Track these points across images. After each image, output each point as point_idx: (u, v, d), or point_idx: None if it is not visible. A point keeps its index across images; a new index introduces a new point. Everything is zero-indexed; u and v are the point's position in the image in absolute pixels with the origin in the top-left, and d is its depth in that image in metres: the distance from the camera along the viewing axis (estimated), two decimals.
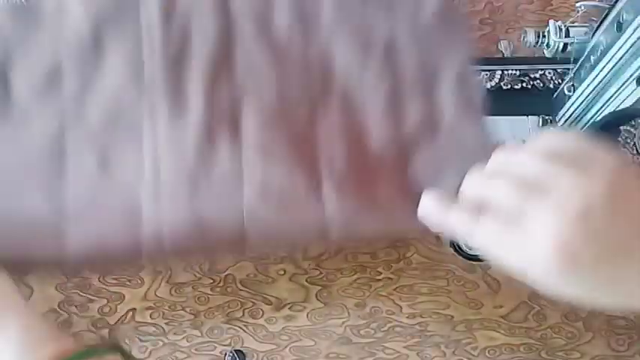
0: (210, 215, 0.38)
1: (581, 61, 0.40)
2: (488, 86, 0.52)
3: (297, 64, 0.40)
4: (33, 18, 0.42)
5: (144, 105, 0.40)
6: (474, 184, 0.32)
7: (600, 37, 0.37)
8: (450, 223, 0.31)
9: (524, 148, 0.29)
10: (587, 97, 0.40)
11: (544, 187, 0.27)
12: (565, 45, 0.40)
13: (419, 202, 0.34)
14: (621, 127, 0.49)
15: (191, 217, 0.38)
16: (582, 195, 0.27)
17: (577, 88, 0.41)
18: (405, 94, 0.40)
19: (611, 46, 0.36)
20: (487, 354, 0.42)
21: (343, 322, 0.50)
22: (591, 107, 0.41)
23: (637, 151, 0.49)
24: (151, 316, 0.46)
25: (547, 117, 0.47)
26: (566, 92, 0.43)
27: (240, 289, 0.51)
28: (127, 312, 0.46)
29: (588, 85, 0.39)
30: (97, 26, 0.41)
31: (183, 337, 0.49)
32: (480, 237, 0.29)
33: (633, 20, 0.33)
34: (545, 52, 0.41)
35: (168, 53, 0.40)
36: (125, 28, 0.41)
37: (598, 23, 0.37)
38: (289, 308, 0.52)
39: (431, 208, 0.33)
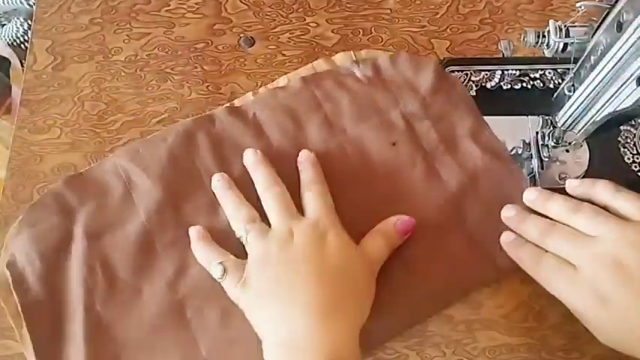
0: None
1: (581, 61, 0.40)
2: (488, 86, 0.52)
3: (336, 175, 0.46)
4: (107, 203, 0.46)
5: (240, 254, 0.43)
6: (534, 226, 0.41)
7: (600, 37, 0.37)
8: (522, 258, 0.41)
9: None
10: (587, 96, 0.40)
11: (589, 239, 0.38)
12: (565, 45, 0.40)
13: (486, 249, 0.44)
14: (621, 127, 0.49)
15: None
16: (617, 246, 0.37)
17: (577, 88, 0.41)
18: (436, 160, 0.47)
19: (612, 46, 0.35)
20: (487, 354, 0.42)
21: None
22: (591, 107, 0.41)
23: (637, 151, 0.49)
24: None
25: (547, 117, 0.47)
26: (566, 92, 0.43)
27: None
28: None
29: (588, 85, 0.39)
30: (168, 192, 0.46)
31: None
32: (543, 270, 0.40)
33: (633, 20, 0.33)
34: (545, 52, 0.41)
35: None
36: (196, 191, 0.46)
37: (598, 23, 0.37)
38: None
39: (510, 244, 0.43)
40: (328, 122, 0.48)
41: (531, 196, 0.43)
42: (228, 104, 0.50)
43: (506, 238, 0.42)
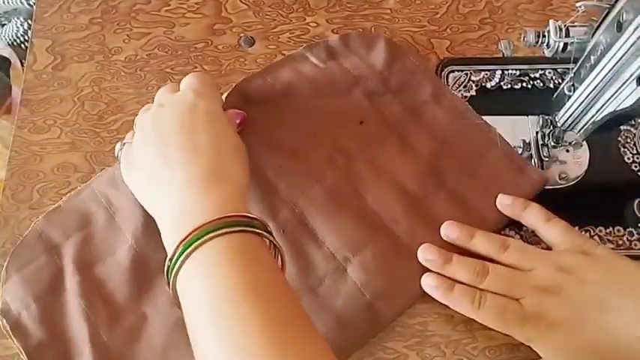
0: None
1: (581, 60, 0.40)
2: (488, 86, 0.52)
3: (313, 162, 0.46)
4: (92, 232, 0.45)
5: None
6: (467, 269, 0.41)
7: (600, 36, 0.37)
8: (458, 301, 0.41)
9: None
10: (587, 96, 0.40)
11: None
12: (565, 45, 0.40)
13: (472, 204, 0.46)
14: (621, 127, 0.49)
15: None
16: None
17: (577, 88, 0.41)
18: (405, 131, 0.48)
19: (611, 46, 0.35)
20: (487, 354, 0.42)
21: None
22: (591, 107, 0.41)
23: (637, 150, 0.49)
24: None
25: (547, 117, 0.47)
26: (566, 92, 0.43)
27: None
28: None
29: (588, 85, 0.39)
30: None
31: None
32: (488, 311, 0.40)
33: (633, 20, 0.33)
34: (545, 51, 0.41)
35: None
36: None
37: (598, 23, 0.37)
38: None
39: (438, 289, 0.42)
40: (294, 109, 0.48)
41: (453, 234, 0.43)
42: None
43: (430, 281, 0.41)
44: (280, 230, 0.44)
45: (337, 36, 0.52)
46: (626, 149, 0.49)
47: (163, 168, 0.38)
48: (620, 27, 0.34)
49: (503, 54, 0.49)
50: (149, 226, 0.43)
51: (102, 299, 0.42)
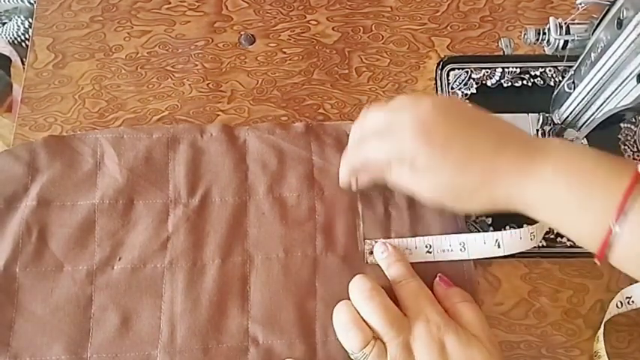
0: None
1: (581, 58, 0.40)
2: (489, 84, 0.52)
3: (302, 231, 0.45)
4: (72, 174, 0.46)
5: (166, 268, 0.44)
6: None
7: (600, 34, 0.37)
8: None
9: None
10: (587, 94, 0.40)
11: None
12: (565, 42, 0.40)
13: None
14: (621, 125, 0.49)
15: None
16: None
17: (577, 86, 0.41)
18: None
19: (612, 43, 0.35)
20: None
21: None
22: (592, 104, 0.41)
23: (637, 148, 0.49)
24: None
25: (547, 114, 0.47)
26: (566, 89, 0.43)
27: None
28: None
29: (589, 82, 0.39)
30: (130, 185, 0.46)
31: None
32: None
33: (633, 17, 0.33)
34: (545, 49, 0.41)
35: (189, 223, 0.45)
36: (155, 194, 0.46)
37: (598, 20, 0.37)
38: None
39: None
40: (311, 178, 0.47)
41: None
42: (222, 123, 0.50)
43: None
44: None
45: None
46: (626, 147, 0.49)
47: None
48: (620, 24, 0.34)
49: (503, 52, 0.49)
50: (119, 198, 0.45)
51: (38, 234, 0.44)
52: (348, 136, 0.47)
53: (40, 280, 0.43)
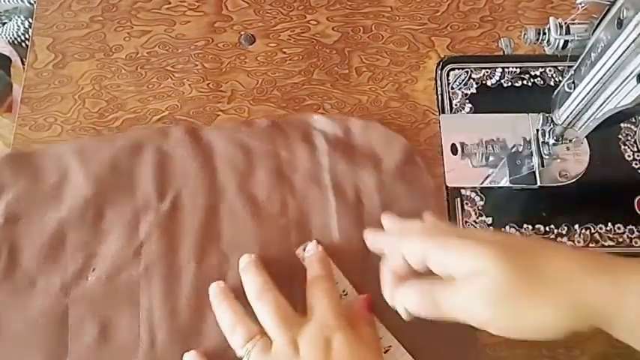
0: None
1: (581, 58, 0.40)
2: (489, 84, 0.52)
3: (276, 227, 0.45)
4: (37, 189, 0.46)
5: (141, 276, 0.43)
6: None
7: (600, 34, 0.37)
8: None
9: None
10: (587, 94, 0.40)
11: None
12: (565, 42, 0.40)
13: None
14: (622, 125, 0.49)
15: None
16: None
17: (577, 85, 0.41)
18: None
19: (612, 43, 0.35)
20: (488, 351, 0.42)
21: None
22: (592, 104, 0.41)
23: (638, 148, 0.49)
24: None
25: (547, 114, 0.47)
26: (566, 89, 0.43)
27: None
28: None
29: (589, 82, 0.39)
30: (97, 195, 0.45)
31: None
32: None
33: (634, 17, 0.33)
34: (545, 49, 0.41)
35: (161, 228, 0.45)
36: (124, 202, 0.45)
37: (598, 20, 0.37)
38: None
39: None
40: (279, 172, 0.47)
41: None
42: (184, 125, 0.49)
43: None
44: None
45: (360, 120, 0.49)
46: (626, 147, 0.49)
47: None
48: (620, 24, 0.34)
49: (503, 52, 0.49)
50: (87, 209, 0.45)
51: (8, 252, 0.43)
52: (313, 128, 0.48)
53: (14, 296, 0.42)
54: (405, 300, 0.34)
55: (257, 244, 0.44)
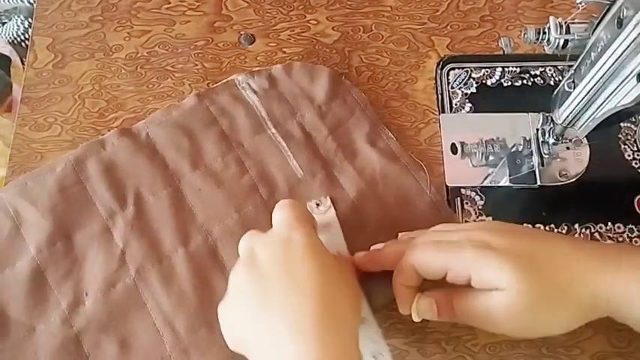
0: None
1: (581, 57, 0.40)
2: (489, 83, 0.52)
3: (242, 186, 0.47)
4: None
5: (136, 279, 0.44)
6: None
7: (600, 33, 0.37)
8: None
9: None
10: (587, 93, 0.40)
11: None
12: (565, 42, 0.40)
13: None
14: (622, 124, 0.49)
15: None
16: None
17: (577, 85, 0.41)
18: (335, 168, 0.48)
19: (612, 43, 0.35)
20: (488, 350, 0.42)
21: None
22: (592, 104, 0.41)
23: (638, 147, 0.49)
24: None
25: (547, 114, 0.47)
26: (566, 89, 0.43)
27: None
28: None
29: (589, 82, 0.39)
30: (58, 225, 0.45)
31: None
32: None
33: (633, 16, 0.33)
34: (545, 48, 0.41)
35: (135, 229, 0.45)
36: (88, 221, 0.45)
37: (598, 19, 0.37)
38: None
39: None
40: (224, 137, 0.48)
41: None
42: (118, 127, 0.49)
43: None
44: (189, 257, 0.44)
45: (280, 65, 0.51)
46: (626, 146, 0.49)
47: (266, 322, 0.33)
48: (620, 23, 0.34)
49: (503, 51, 0.48)
50: (54, 239, 0.44)
51: None
52: (241, 88, 0.50)
53: (17, 350, 0.41)
54: (427, 315, 0.38)
55: (231, 208, 0.46)
